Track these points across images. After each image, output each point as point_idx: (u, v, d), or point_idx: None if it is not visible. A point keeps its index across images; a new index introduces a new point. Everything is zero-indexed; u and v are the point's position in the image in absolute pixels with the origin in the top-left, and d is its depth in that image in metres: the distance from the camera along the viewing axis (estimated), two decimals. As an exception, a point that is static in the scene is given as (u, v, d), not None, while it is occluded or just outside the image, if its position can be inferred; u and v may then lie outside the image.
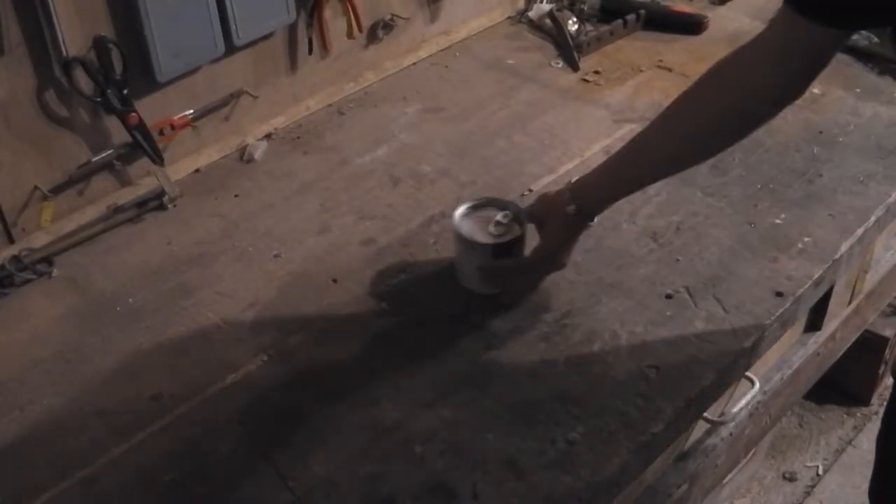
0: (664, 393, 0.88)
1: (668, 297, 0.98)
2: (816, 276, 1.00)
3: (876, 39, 1.44)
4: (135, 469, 0.84)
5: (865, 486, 1.10)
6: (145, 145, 1.15)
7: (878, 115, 1.26)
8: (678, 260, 1.03)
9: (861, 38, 1.45)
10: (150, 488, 0.82)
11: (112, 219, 1.15)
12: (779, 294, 0.98)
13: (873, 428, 1.87)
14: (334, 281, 1.04)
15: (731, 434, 1.23)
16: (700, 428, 1.18)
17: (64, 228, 1.14)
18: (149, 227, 1.16)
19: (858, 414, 1.92)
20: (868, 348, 1.76)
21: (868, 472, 1.10)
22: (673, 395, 0.87)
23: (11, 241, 1.11)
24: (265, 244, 1.11)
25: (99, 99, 1.09)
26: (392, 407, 0.88)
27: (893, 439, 0.98)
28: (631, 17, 1.49)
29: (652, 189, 1.14)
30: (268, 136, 1.31)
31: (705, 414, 1.05)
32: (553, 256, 0.96)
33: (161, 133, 1.18)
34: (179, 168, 1.24)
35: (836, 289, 1.30)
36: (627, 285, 1.00)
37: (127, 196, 1.18)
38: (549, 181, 1.17)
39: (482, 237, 0.97)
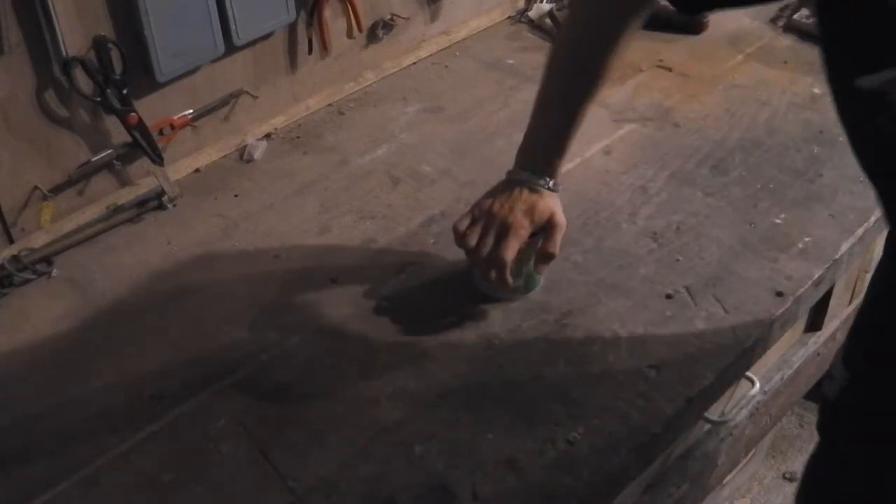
0: (664, 393, 0.88)
1: (668, 297, 0.98)
2: (816, 276, 1.00)
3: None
4: (135, 469, 0.84)
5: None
6: (145, 145, 1.15)
7: (878, 115, 1.26)
8: (678, 260, 1.03)
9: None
10: (150, 488, 0.82)
11: (112, 219, 1.15)
12: (779, 294, 0.98)
13: (873, 428, 1.87)
14: (334, 281, 1.04)
15: (731, 434, 1.23)
16: (700, 428, 1.18)
17: (64, 228, 1.14)
18: (149, 227, 1.16)
19: (858, 414, 1.92)
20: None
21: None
22: (673, 395, 0.87)
23: (11, 241, 1.11)
24: (265, 244, 1.11)
25: (99, 99, 1.08)
26: (392, 407, 0.88)
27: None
28: (631, 16, 1.49)
29: (652, 189, 1.14)
30: (268, 136, 1.31)
31: (705, 414, 1.05)
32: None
33: (161, 133, 1.18)
34: (179, 168, 1.24)
35: (836, 289, 1.30)
36: (627, 285, 1.00)
37: (127, 196, 1.18)
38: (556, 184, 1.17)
39: None
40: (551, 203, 0.95)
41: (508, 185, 0.96)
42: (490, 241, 0.93)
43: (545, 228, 0.95)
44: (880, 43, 0.62)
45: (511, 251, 0.92)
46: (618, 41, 0.92)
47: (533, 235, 0.95)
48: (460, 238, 0.95)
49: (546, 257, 0.95)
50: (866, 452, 0.81)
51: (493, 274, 0.93)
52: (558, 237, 0.95)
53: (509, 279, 0.93)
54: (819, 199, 1.11)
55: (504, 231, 0.93)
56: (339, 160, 1.25)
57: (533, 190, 0.95)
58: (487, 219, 0.94)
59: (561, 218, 0.95)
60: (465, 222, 0.96)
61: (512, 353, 0.93)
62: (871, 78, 0.62)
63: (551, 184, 0.96)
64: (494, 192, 0.97)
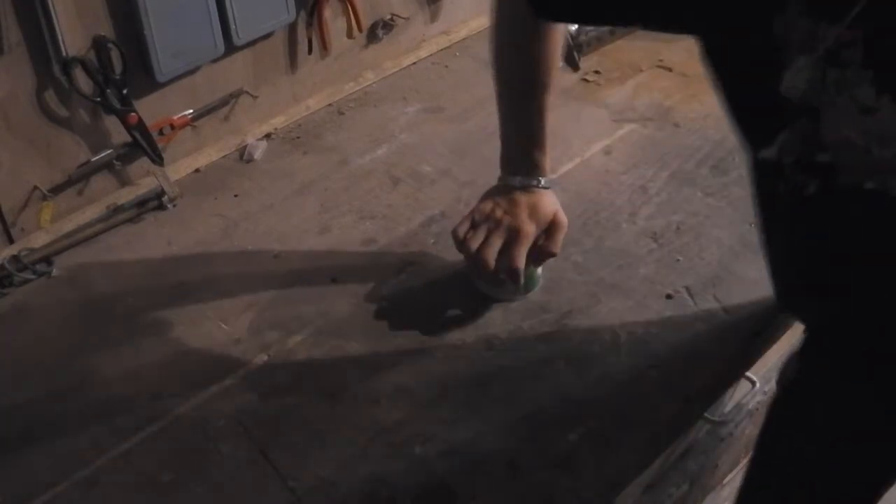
0: (664, 393, 0.88)
1: (668, 297, 0.98)
2: (816, 276, 1.00)
3: None
4: (135, 469, 0.84)
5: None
6: (145, 145, 1.15)
7: (878, 115, 1.26)
8: (678, 260, 1.03)
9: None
10: (150, 488, 0.82)
11: (112, 219, 1.15)
12: (779, 294, 0.98)
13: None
14: (334, 281, 1.04)
15: (731, 434, 1.23)
16: (700, 428, 1.18)
17: (63, 228, 1.14)
18: (148, 227, 1.16)
19: (858, 414, 1.91)
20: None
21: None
22: (673, 395, 0.87)
23: (11, 241, 1.11)
24: (265, 244, 1.11)
25: (98, 99, 1.08)
26: (392, 407, 0.88)
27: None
28: (631, 16, 1.49)
29: (652, 189, 1.14)
30: (268, 136, 1.31)
31: (705, 414, 1.05)
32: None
33: (161, 133, 1.18)
34: (179, 168, 1.24)
35: (836, 289, 1.30)
36: (627, 285, 1.00)
37: (126, 196, 1.18)
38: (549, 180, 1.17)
39: None
40: (552, 202, 0.95)
41: (505, 188, 0.96)
42: (496, 245, 0.93)
43: (547, 228, 0.95)
44: (770, 116, 0.66)
45: (522, 259, 0.92)
46: (540, 35, 0.92)
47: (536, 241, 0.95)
48: (460, 243, 0.95)
49: (547, 256, 0.95)
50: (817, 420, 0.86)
51: (502, 278, 0.94)
52: (560, 237, 0.95)
53: (522, 282, 0.94)
54: (819, 199, 1.11)
55: (512, 237, 0.93)
56: (339, 160, 1.25)
57: (530, 191, 0.95)
58: (490, 224, 0.94)
59: (563, 217, 0.95)
60: (465, 227, 0.96)
61: (512, 353, 0.93)
62: (769, 150, 0.66)
63: (544, 181, 0.96)
64: (493, 196, 0.96)
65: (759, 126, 0.69)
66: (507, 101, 0.97)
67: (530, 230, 0.93)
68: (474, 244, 0.94)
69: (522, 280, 0.93)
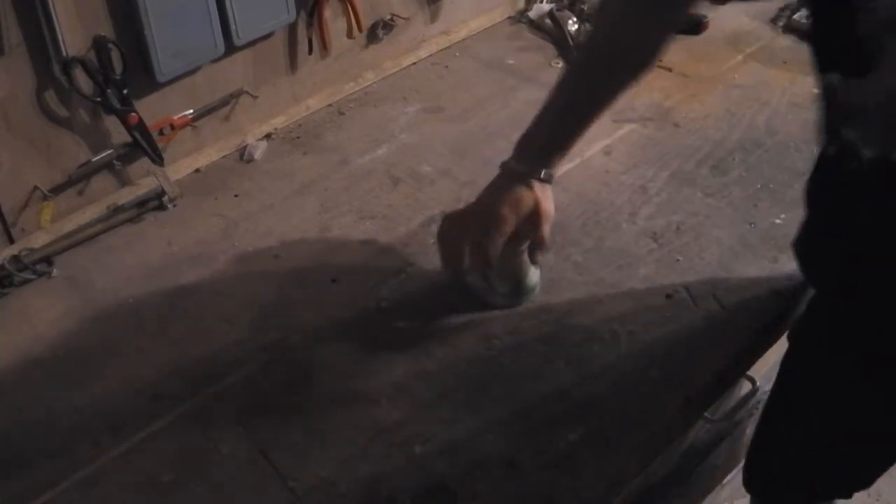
0: (664, 393, 0.88)
1: (668, 297, 0.98)
2: (816, 276, 1.00)
3: None
4: (135, 469, 0.84)
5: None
6: (145, 145, 1.15)
7: (878, 115, 1.26)
8: (678, 260, 1.03)
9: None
10: (150, 488, 0.82)
11: (112, 219, 1.15)
12: (779, 294, 0.98)
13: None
14: (334, 281, 1.04)
15: (731, 434, 1.23)
16: (700, 428, 1.18)
17: (64, 228, 1.14)
18: (149, 227, 1.16)
19: (858, 414, 1.91)
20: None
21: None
22: (673, 395, 0.87)
23: (11, 241, 1.11)
24: (265, 244, 1.11)
25: (99, 99, 1.08)
26: (392, 407, 0.88)
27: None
28: (631, 16, 1.49)
29: (652, 189, 1.14)
30: (268, 136, 1.31)
31: (705, 414, 1.05)
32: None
33: (161, 133, 1.18)
34: (179, 168, 1.24)
35: (836, 289, 1.30)
36: (627, 285, 1.00)
37: (127, 196, 1.18)
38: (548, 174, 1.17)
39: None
40: (538, 194, 0.89)
41: (498, 179, 0.91)
42: (465, 238, 0.89)
43: (530, 217, 0.89)
44: (830, 48, 0.66)
45: (495, 247, 0.87)
46: (665, 29, 0.90)
47: (526, 238, 0.92)
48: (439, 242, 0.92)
49: (536, 244, 0.92)
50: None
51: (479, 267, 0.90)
52: (545, 225, 0.90)
53: (492, 268, 0.90)
54: (819, 199, 1.11)
55: (488, 226, 0.88)
56: (339, 160, 1.25)
57: (522, 181, 0.89)
58: (462, 219, 0.91)
59: (546, 206, 0.89)
60: (444, 227, 0.92)
61: (512, 353, 0.93)
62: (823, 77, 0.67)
63: (543, 174, 0.90)
64: (481, 192, 0.92)
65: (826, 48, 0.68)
66: (579, 81, 0.91)
67: (507, 217, 0.88)
68: (448, 241, 0.91)
69: (493, 266, 0.89)
